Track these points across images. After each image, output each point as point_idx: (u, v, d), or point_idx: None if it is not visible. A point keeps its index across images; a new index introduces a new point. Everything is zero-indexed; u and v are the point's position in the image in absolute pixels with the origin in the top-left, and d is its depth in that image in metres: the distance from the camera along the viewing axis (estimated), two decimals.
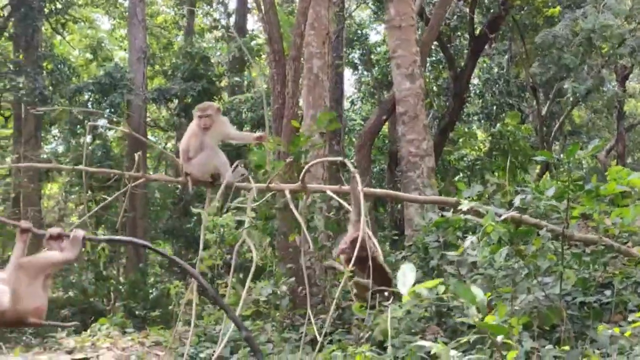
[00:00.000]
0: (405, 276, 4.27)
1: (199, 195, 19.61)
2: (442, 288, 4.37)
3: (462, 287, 4.28)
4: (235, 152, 23.40)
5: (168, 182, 10.77)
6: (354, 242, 7.00)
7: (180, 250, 26.43)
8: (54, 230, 5.06)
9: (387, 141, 23.21)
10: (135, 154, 8.76)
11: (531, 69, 22.61)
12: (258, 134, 9.10)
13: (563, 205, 7.71)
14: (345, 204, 8.96)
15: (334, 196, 8.75)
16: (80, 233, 4.99)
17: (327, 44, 13.38)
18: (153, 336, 10.46)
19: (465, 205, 7.21)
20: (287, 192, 8.33)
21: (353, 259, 6.69)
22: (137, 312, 19.00)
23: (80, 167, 9.36)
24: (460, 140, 23.64)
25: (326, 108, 12.99)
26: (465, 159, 22.89)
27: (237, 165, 8.50)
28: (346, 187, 8.27)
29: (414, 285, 4.48)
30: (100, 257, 19.38)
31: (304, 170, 8.57)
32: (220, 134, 8.61)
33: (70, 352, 9.54)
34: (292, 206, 8.01)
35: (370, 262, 6.83)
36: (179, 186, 24.21)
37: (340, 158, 8.72)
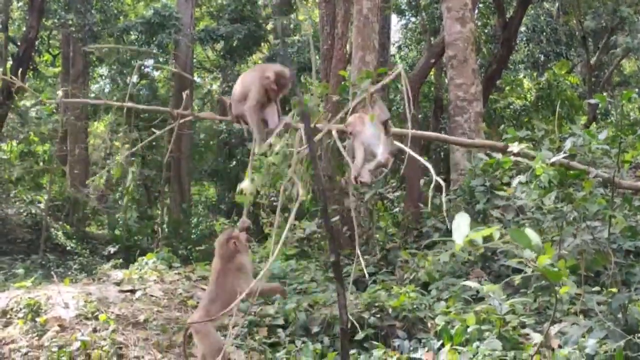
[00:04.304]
0: (460, 226, 4.17)
1: (244, 140, 19.57)
2: (497, 235, 4.31)
3: (517, 231, 4.24)
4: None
5: (217, 120, 10.74)
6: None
7: (224, 192, 26.61)
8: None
9: (432, 88, 23.02)
10: (183, 93, 8.76)
11: (585, 22, 22.22)
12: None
13: (614, 150, 7.63)
14: None
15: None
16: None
17: None
18: (199, 271, 10.58)
19: (515, 147, 7.15)
20: (334, 132, 8.29)
21: None
22: (179, 252, 19.19)
23: (130, 104, 9.42)
24: (507, 88, 23.37)
25: (375, 50, 12.94)
26: (511, 107, 22.65)
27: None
28: (393, 130, 8.19)
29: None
30: (127, 194, 19.63)
31: (349, 110, 8.54)
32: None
33: (118, 284, 9.68)
34: (339, 145, 7.97)
35: None
36: (225, 129, 24.34)
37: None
